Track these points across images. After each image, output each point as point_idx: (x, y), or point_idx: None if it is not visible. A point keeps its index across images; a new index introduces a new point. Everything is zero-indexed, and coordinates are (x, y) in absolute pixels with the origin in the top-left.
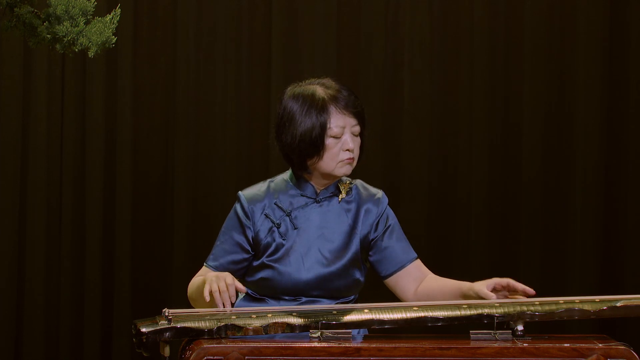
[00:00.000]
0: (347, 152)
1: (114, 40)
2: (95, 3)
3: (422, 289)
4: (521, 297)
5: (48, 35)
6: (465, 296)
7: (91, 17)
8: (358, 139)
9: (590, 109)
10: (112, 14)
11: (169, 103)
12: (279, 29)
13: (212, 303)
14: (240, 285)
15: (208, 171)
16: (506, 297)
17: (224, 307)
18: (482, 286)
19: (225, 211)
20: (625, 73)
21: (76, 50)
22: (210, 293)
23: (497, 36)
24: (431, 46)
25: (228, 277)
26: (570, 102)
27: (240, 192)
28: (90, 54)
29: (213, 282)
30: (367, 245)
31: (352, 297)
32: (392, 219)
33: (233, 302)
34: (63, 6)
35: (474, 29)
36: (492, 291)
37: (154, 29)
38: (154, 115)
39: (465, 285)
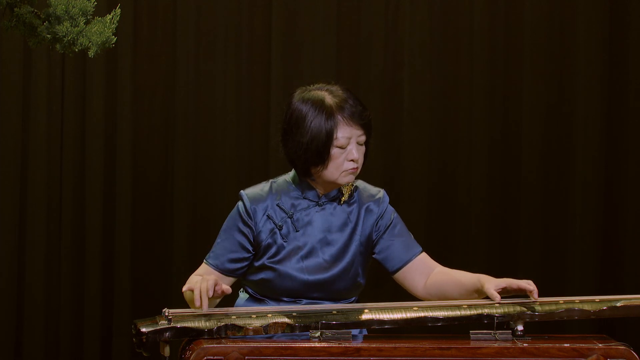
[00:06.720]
0: (352, 162)
1: (114, 40)
2: (95, 3)
3: (432, 283)
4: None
5: (48, 35)
6: (476, 289)
7: (91, 17)
8: (363, 148)
9: (590, 109)
10: (112, 14)
11: (169, 103)
12: (279, 29)
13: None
14: (225, 287)
15: (208, 171)
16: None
17: (200, 305)
18: (491, 285)
19: (225, 211)
20: (625, 73)
21: (76, 50)
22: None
23: (497, 36)
24: (431, 46)
25: (210, 279)
26: (570, 101)
27: (242, 191)
28: (90, 54)
29: (197, 283)
30: (371, 245)
31: (353, 298)
32: (394, 216)
33: (210, 295)
34: (63, 6)
35: (474, 29)
36: (502, 290)
37: (154, 29)
38: (154, 115)
39: (474, 278)
